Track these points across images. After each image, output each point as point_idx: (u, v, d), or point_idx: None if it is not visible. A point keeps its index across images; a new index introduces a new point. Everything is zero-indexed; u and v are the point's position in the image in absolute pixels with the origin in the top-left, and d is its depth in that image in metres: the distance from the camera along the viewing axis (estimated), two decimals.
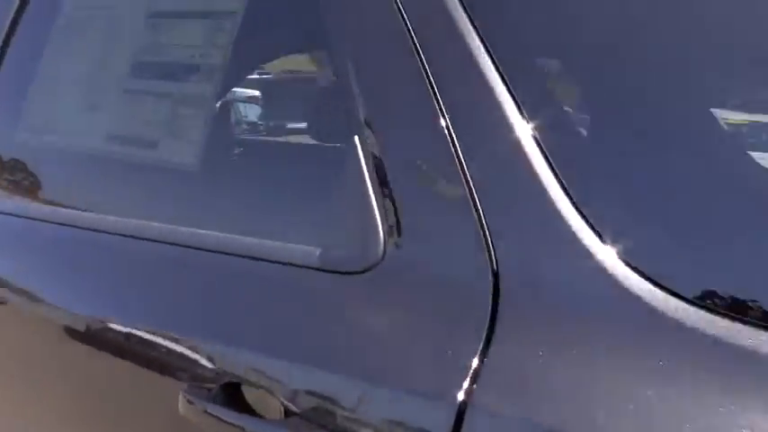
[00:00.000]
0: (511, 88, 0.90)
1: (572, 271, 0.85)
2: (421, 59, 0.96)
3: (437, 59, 0.95)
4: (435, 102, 0.93)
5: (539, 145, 0.88)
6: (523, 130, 0.89)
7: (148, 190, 1.25)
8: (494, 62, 0.92)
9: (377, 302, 0.94)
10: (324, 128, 1.09)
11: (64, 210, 1.36)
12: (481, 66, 0.92)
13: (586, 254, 0.83)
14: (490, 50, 0.93)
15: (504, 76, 0.90)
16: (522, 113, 0.89)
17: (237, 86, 1.26)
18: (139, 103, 1.31)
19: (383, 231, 0.94)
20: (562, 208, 0.85)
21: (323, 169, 1.07)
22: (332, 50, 1.06)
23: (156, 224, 1.15)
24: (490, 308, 0.85)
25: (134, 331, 1.09)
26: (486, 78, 0.91)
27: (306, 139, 1.14)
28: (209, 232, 1.09)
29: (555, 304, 0.84)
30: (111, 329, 1.13)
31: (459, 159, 0.90)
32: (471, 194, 0.90)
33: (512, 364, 0.81)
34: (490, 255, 0.88)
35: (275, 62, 1.31)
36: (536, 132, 0.88)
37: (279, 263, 1.01)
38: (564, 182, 0.85)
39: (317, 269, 0.98)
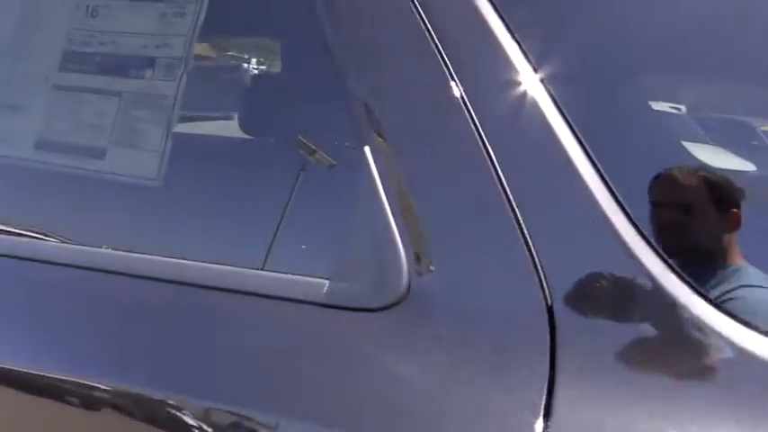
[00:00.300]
0: (549, 86, 0.78)
1: (642, 304, 0.73)
2: (441, 51, 0.81)
3: (464, 51, 0.80)
4: (461, 98, 0.79)
5: (588, 156, 0.76)
6: (569, 138, 0.77)
7: (109, 210, 1.03)
8: (529, 61, 0.79)
9: (401, 347, 0.78)
10: (326, 132, 0.91)
11: None
12: (518, 64, 0.78)
13: (654, 284, 0.71)
14: (523, 48, 0.79)
15: (548, 81, 0.78)
16: (564, 114, 0.77)
17: (208, 81, 1.06)
18: (75, 103, 1.08)
19: (406, 258, 0.79)
20: (623, 230, 0.73)
21: (328, 183, 0.90)
22: (329, 37, 0.88)
23: (112, 252, 0.94)
24: (549, 351, 0.72)
25: (98, 385, 0.88)
26: (524, 75, 0.78)
27: (305, 147, 0.95)
28: (185, 262, 0.89)
29: (625, 345, 0.72)
30: (65, 384, 0.91)
31: (495, 166, 0.77)
32: (514, 212, 0.76)
33: (582, 421, 0.68)
34: (542, 285, 0.74)
35: (258, 53, 1.11)
36: (587, 141, 0.76)
37: (277, 298, 0.83)
38: (622, 199, 0.74)
39: (325, 305, 0.81)
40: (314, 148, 0.91)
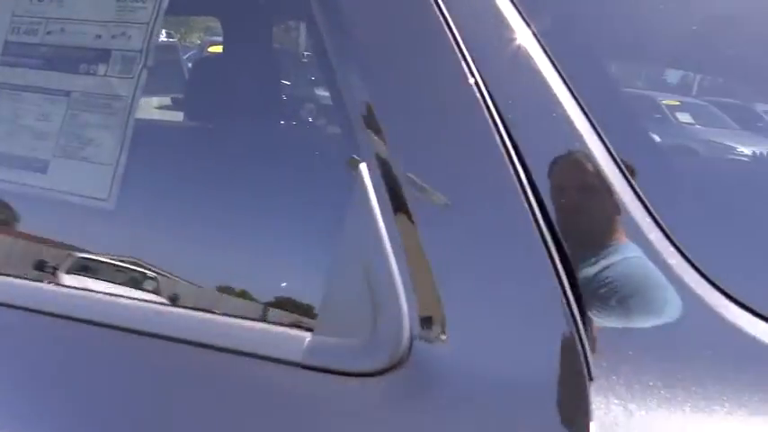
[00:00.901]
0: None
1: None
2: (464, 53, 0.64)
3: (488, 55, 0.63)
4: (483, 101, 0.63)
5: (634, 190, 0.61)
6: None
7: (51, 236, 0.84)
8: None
9: (397, 423, 0.61)
10: (311, 140, 0.74)
11: None
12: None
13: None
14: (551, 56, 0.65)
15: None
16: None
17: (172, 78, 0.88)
18: (15, 105, 0.89)
19: (408, 312, 0.62)
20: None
21: (311, 213, 0.72)
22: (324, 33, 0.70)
23: (53, 289, 0.76)
24: None
25: None
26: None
27: (285, 164, 0.76)
28: (138, 303, 0.72)
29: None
30: None
31: (527, 191, 0.62)
32: (552, 257, 0.59)
33: None
34: (585, 354, 0.57)
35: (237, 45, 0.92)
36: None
37: (244, 354, 0.66)
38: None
39: (304, 366, 0.64)
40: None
